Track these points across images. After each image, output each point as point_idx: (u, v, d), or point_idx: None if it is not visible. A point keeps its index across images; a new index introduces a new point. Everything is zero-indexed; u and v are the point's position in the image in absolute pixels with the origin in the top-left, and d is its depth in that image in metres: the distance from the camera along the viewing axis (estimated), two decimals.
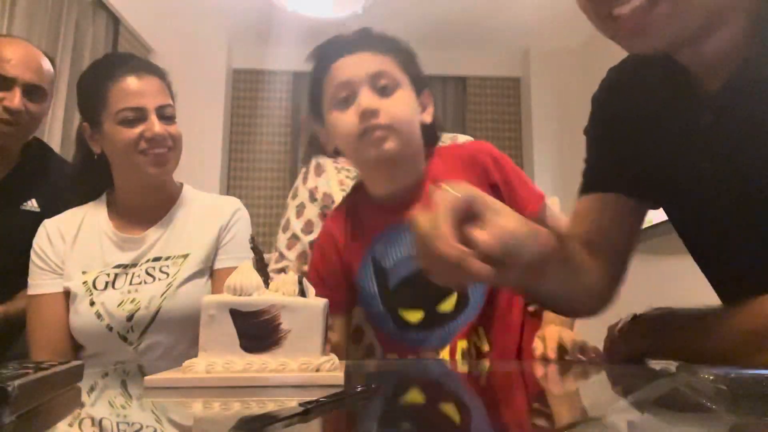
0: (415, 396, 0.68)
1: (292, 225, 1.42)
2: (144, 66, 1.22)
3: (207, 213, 1.31)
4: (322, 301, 0.69)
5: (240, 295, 0.65)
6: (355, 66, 0.98)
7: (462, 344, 0.96)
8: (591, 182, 0.86)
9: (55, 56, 2.89)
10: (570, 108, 3.91)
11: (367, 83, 0.97)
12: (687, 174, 0.74)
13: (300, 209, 1.42)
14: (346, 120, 0.97)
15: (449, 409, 0.56)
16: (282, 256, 1.40)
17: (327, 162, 1.44)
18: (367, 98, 0.95)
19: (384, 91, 0.97)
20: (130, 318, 1.16)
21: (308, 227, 1.41)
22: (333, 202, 1.37)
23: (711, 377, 0.53)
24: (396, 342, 1.03)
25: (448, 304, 0.98)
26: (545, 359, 0.89)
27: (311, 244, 1.40)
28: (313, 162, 1.45)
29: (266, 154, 4.17)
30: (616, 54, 0.78)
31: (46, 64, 1.46)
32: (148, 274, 1.20)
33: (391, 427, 0.48)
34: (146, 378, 0.61)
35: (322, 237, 1.12)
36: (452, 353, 0.96)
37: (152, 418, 0.53)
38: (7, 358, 1.41)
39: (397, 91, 0.98)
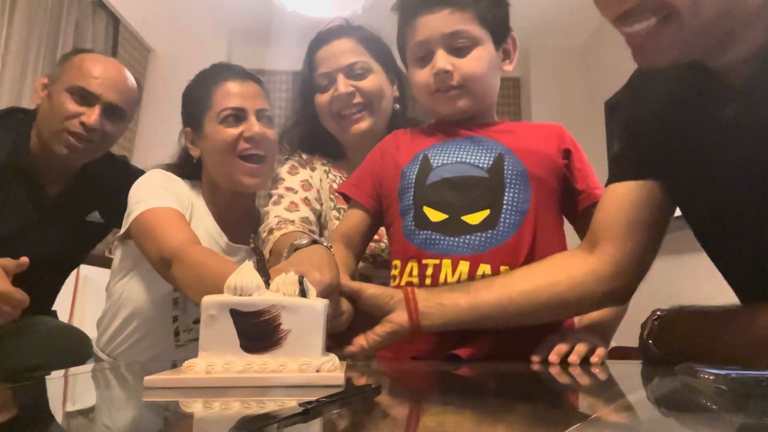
0: (415, 396, 0.68)
1: (295, 186, 1.29)
2: (245, 73, 1.30)
3: None
4: (323, 302, 0.69)
5: (240, 295, 0.65)
6: (431, 28, 1.01)
7: (485, 268, 0.93)
8: (623, 170, 0.87)
9: (55, 56, 2.90)
10: (570, 108, 3.91)
11: (442, 44, 1.01)
12: (712, 162, 0.75)
13: (306, 185, 1.30)
14: (422, 76, 1.04)
15: (449, 409, 0.56)
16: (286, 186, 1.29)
17: (314, 159, 1.37)
18: (441, 59, 1.01)
19: (460, 51, 1.02)
20: (197, 321, 1.19)
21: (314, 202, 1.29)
22: (322, 201, 1.30)
23: (711, 377, 0.53)
24: (406, 242, 1.01)
25: (474, 218, 0.97)
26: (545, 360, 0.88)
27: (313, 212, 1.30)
28: (301, 156, 1.37)
29: None
30: (616, 54, 0.79)
31: (133, 87, 1.45)
32: None
33: (391, 426, 0.48)
34: (146, 378, 0.61)
35: (385, 139, 1.18)
36: (471, 273, 0.94)
37: (152, 417, 0.53)
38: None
39: (473, 50, 1.02)
